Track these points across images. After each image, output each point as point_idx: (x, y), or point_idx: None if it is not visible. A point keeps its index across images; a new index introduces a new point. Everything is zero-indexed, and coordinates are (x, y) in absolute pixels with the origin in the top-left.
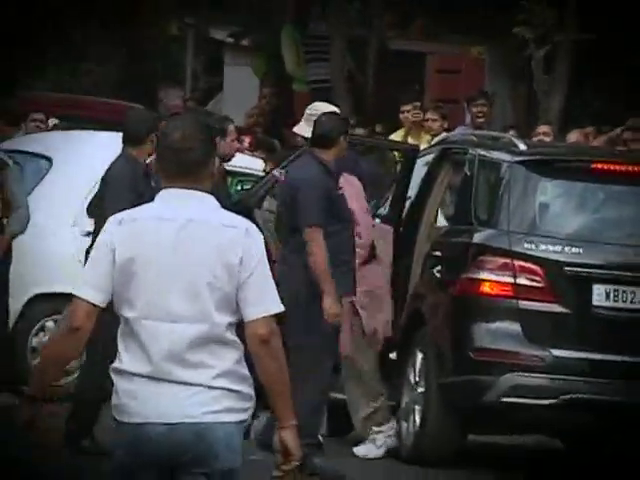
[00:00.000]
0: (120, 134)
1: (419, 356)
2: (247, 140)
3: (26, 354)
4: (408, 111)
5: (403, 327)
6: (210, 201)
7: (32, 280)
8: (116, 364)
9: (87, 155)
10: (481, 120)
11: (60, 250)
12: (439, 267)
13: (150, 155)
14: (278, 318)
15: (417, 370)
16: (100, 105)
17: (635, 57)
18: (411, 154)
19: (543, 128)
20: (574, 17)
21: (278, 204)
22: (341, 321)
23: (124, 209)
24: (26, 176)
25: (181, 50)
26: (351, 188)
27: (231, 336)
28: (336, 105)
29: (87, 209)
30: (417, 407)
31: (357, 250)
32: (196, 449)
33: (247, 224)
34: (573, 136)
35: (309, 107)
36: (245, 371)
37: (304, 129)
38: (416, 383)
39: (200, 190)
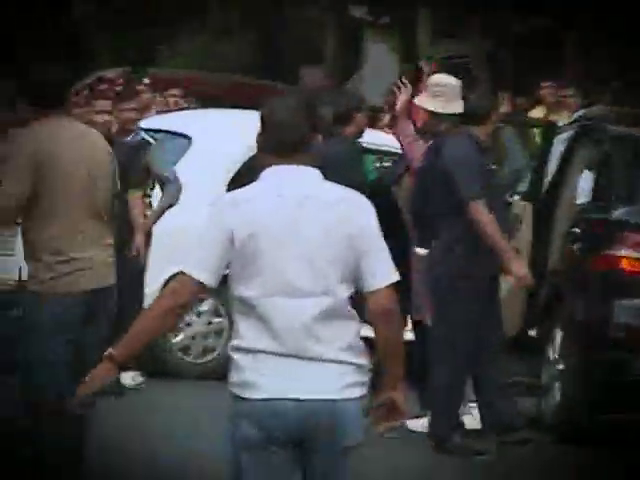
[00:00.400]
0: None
1: (559, 333)
2: (387, 118)
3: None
4: (548, 87)
5: (542, 304)
6: (318, 176)
7: (171, 259)
8: (236, 342)
9: (225, 134)
10: None
11: (199, 229)
12: (579, 244)
13: None
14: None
15: (557, 347)
16: (239, 85)
17: None
18: (550, 131)
19: None
20: None
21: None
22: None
23: None
24: (166, 154)
25: (321, 29)
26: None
27: (350, 309)
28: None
29: (228, 187)
30: (557, 384)
31: None
32: (328, 425)
33: (359, 196)
34: None
35: (431, 80)
36: (362, 344)
37: (428, 102)
38: (555, 360)
39: (305, 164)
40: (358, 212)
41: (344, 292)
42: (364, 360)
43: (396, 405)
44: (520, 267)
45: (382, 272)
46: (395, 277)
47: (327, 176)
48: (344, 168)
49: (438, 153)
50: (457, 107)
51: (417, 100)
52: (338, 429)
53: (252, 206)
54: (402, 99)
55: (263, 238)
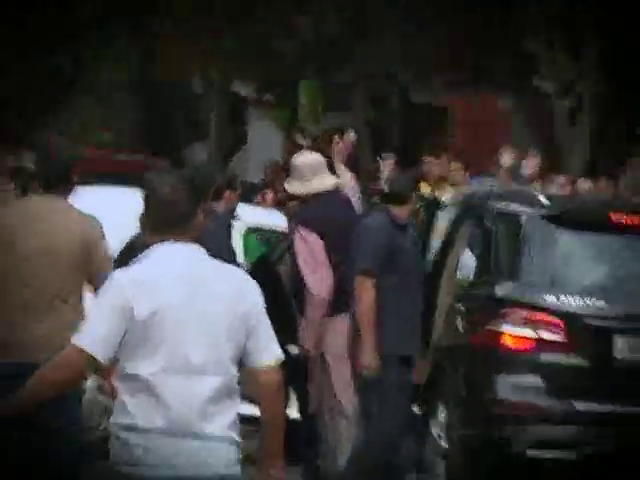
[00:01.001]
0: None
1: (442, 409)
2: (270, 195)
3: None
4: (433, 163)
5: (426, 380)
6: (204, 253)
7: None
8: (122, 419)
9: (109, 210)
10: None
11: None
12: (460, 319)
13: None
14: None
15: (440, 424)
16: (123, 162)
17: None
18: (433, 207)
19: (560, 179)
20: (594, 67)
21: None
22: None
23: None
24: None
25: (205, 106)
26: (303, 244)
27: (237, 386)
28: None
29: (115, 264)
30: (441, 461)
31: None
32: None
33: (246, 274)
34: (585, 184)
35: (297, 160)
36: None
37: (288, 185)
38: (439, 437)
39: (190, 242)
40: (249, 290)
41: (235, 370)
42: (239, 437)
43: None
44: (373, 358)
45: (271, 349)
46: (281, 354)
47: None
48: (216, 245)
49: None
50: (318, 185)
51: (287, 186)
52: None
53: (152, 284)
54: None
55: (162, 316)
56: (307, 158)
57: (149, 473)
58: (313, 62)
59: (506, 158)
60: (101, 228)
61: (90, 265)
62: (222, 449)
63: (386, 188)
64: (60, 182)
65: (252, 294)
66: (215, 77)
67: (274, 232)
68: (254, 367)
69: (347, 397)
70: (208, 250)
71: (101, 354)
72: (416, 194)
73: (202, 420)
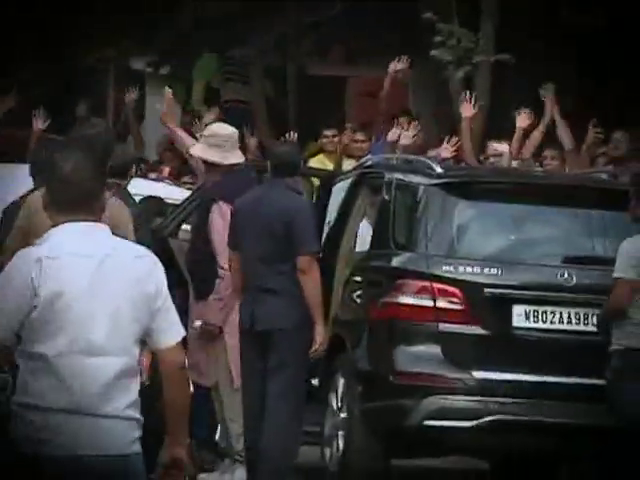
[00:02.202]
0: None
1: (341, 381)
2: (166, 170)
3: None
4: (332, 136)
5: (325, 353)
6: (109, 232)
7: None
8: (23, 398)
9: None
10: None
11: None
12: (359, 292)
13: None
14: None
15: (339, 396)
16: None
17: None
18: (328, 180)
19: (547, 152)
20: (490, 37)
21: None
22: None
23: None
24: None
25: (103, 81)
26: (221, 219)
27: (138, 366)
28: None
29: None
30: (340, 433)
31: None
32: (121, 478)
33: (150, 254)
34: (495, 146)
35: (208, 130)
36: (138, 399)
37: (206, 152)
38: (339, 409)
39: (94, 221)
40: (153, 270)
41: (137, 351)
42: (140, 415)
43: (179, 463)
44: (320, 335)
45: (173, 329)
46: (183, 334)
47: None
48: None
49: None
50: (237, 157)
51: (193, 150)
52: None
53: (56, 263)
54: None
55: (67, 297)
56: (228, 129)
57: (49, 452)
58: (210, 36)
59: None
60: None
61: None
62: (122, 428)
63: (274, 161)
64: None
65: (157, 275)
66: (112, 53)
67: (169, 205)
68: (157, 348)
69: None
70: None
71: (2, 336)
72: (310, 169)
73: (103, 400)
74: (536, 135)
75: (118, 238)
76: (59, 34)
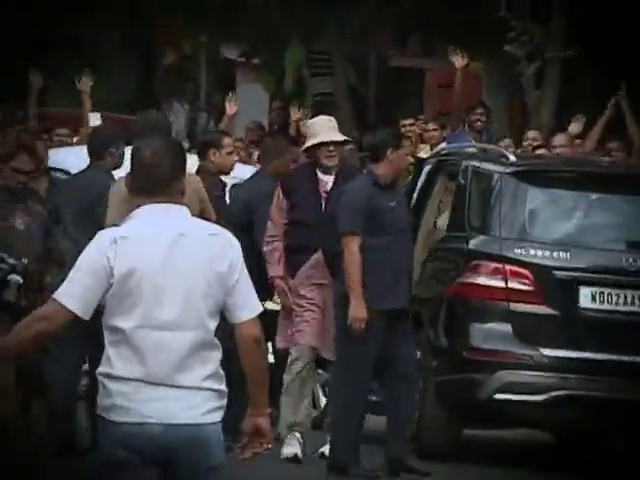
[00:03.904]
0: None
1: (418, 355)
2: (257, 153)
3: None
4: (411, 125)
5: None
6: (188, 213)
7: None
8: (106, 369)
9: None
10: (480, 127)
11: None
12: (436, 272)
13: None
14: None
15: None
16: (121, 121)
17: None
18: (418, 165)
19: (532, 134)
20: (561, 33)
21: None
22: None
23: None
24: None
25: (195, 68)
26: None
27: (215, 339)
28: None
29: None
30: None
31: None
32: (191, 448)
33: (228, 233)
34: (559, 138)
35: (321, 119)
36: (222, 371)
37: (337, 135)
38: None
39: (174, 203)
40: (227, 249)
41: (213, 324)
42: (224, 386)
43: (262, 431)
44: (356, 310)
45: (249, 305)
46: (260, 308)
47: None
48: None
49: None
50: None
51: (326, 137)
52: (202, 451)
53: (131, 243)
54: None
55: (140, 274)
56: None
57: (126, 419)
58: (297, 27)
59: None
60: None
61: None
62: (198, 398)
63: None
64: None
65: (232, 254)
66: (204, 40)
67: None
68: (234, 323)
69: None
70: None
71: (81, 311)
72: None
73: (179, 372)
74: (597, 130)
75: (194, 218)
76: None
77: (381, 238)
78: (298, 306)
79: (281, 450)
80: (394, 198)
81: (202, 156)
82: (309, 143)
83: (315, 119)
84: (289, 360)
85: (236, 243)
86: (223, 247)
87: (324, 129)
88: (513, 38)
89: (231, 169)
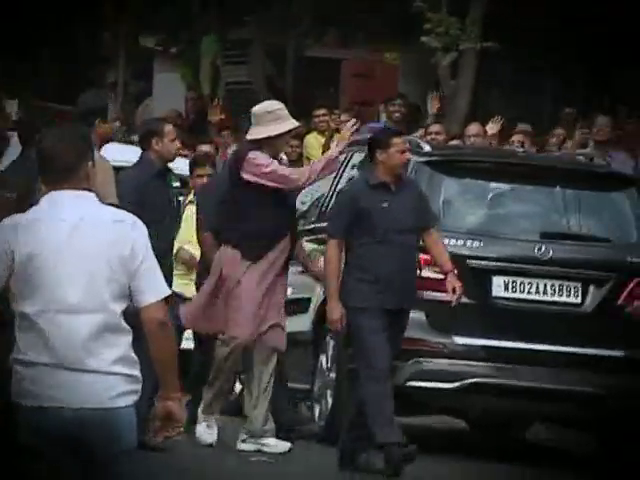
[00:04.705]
0: None
1: (330, 343)
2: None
3: None
4: (324, 115)
5: (315, 315)
6: (93, 199)
7: None
8: (16, 355)
9: None
10: (397, 119)
11: None
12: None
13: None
14: None
15: (329, 356)
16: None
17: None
18: None
19: (435, 127)
20: (477, 26)
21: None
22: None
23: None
24: None
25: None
26: None
27: (123, 323)
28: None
29: None
30: (329, 392)
31: None
32: (101, 432)
33: (133, 218)
34: (472, 128)
35: (259, 108)
36: (134, 355)
37: (260, 131)
38: (328, 369)
39: (80, 189)
40: (131, 233)
41: (118, 308)
42: (136, 370)
43: (172, 415)
44: (333, 312)
45: (154, 288)
46: (166, 292)
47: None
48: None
49: None
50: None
51: (250, 135)
52: (112, 435)
53: (32, 228)
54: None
55: (41, 259)
56: (276, 104)
57: (33, 404)
58: (214, 17)
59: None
60: None
61: None
62: (106, 383)
63: None
64: None
65: (136, 238)
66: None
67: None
68: (138, 306)
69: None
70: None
71: None
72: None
73: (86, 355)
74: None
75: (99, 203)
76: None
77: (369, 238)
78: (234, 296)
79: (198, 432)
80: (388, 198)
81: (145, 146)
82: (276, 131)
83: (267, 106)
84: (218, 344)
85: (141, 226)
86: (125, 232)
87: (284, 116)
88: (429, 30)
89: (175, 156)
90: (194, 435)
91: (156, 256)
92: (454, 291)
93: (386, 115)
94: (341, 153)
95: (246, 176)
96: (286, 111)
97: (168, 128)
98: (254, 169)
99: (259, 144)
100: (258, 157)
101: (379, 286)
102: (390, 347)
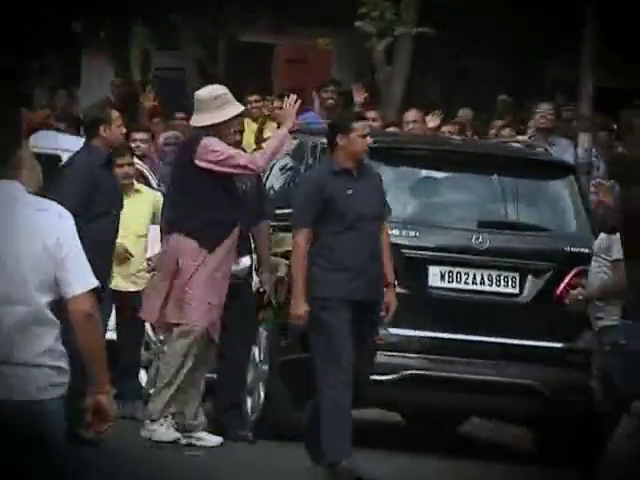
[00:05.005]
0: None
1: (264, 334)
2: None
3: None
4: (256, 101)
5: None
6: (18, 188)
7: None
8: None
9: None
10: (330, 106)
11: None
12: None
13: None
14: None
15: (262, 348)
16: None
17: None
18: None
19: (371, 114)
20: (412, 12)
21: None
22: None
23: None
24: None
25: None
26: None
27: (50, 315)
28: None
29: None
30: (261, 384)
31: None
32: (27, 425)
33: (58, 207)
34: (410, 114)
35: (205, 94)
36: (62, 348)
37: (207, 118)
38: (260, 361)
39: (7, 178)
40: (57, 223)
41: (43, 299)
42: (63, 363)
43: (102, 408)
44: (297, 307)
45: (81, 279)
46: (93, 283)
47: None
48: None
49: None
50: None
51: (194, 121)
52: (37, 428)
53: None
54: None
55: None
56: (219, 89)
57: None
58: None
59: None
60: None
61: None
62: (34, 375)
63: None
64: None
65: (61, 227)
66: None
67: None
68: (65, 297)
69: None
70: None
71: None
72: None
73: (11, 348)
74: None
75: (26, 193)
76: None
77: (335, 226)
78: (193, 285)
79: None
80: (351, 185)
81: (92, 133)
82: (224, 117)
83: (212, 91)
84: (173, 339)
85: (67, 216)
86: (51, 221)
87: (230, 100)
88: (364, 14)
89: (120, 142)
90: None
91: (107, 249)
92: (387, 309)
93: (319, 102)
94: (290, 132)
95: (201, 163)
96: (231, 95)
97: (115, 114)
98: (209, 156)
99: (206, 130)
100: (213, 144)
101: (347, 275)
102: (358, 345)
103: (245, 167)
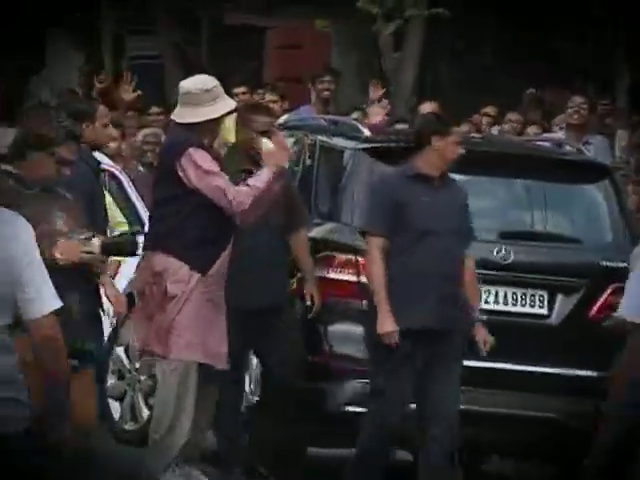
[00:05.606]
0: None
1: (254, 362)
2: None
3: None
4: (244, 93)
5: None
6: None
7: None
8: None
9: None
10: (327, 98)
11: None
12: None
13: None
14: None
15: (252, 377)
16: None
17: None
18: None
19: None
20: None
21: None
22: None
23: None
24: None
25: None
26: None
27: (7, 339)
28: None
29: None
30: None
31: None
32: None
33: (21, 219)
34: (427, 107)
35: (194, 86)
36: (20, 376)
37: (196, 114)
38: (251, 392)
39: None
40: (17, 234)
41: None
42: (23, 394)
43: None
44: (385, 324)
45: (44, 299)
46: (57, 304)
47: None
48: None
49: None
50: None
51: (175, 115)
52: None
53: None
54: None
55: None
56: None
57: None
58: None
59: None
60: None
61: None
62: None
63: None
64: None
65: (21, 239)
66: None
67: None
68: (26, 318)
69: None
70: None
71: None
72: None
73: None
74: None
75: None
76: None
77: (404, 237)
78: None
79: None
80: (430, 194)
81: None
82: (217, 113)
83: (202, 83)
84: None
85: (28, 229)
86: (11, 232)
87: (221, 94)
88: None
89: (107, 143)
90: None
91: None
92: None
93: (315, 93)
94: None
95: (180, 173)
96: (221, 88)
97: (102, 111)
98: (188, 167)
99: (190, 128)
100: (198, 156)
101: (412, 300)
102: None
103: (221, 197)
